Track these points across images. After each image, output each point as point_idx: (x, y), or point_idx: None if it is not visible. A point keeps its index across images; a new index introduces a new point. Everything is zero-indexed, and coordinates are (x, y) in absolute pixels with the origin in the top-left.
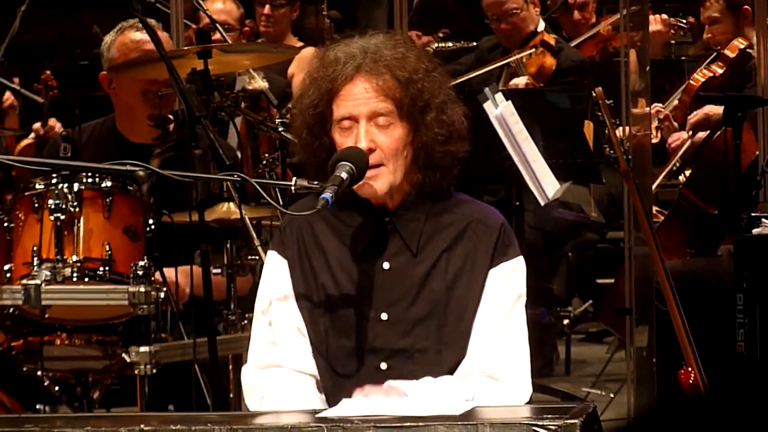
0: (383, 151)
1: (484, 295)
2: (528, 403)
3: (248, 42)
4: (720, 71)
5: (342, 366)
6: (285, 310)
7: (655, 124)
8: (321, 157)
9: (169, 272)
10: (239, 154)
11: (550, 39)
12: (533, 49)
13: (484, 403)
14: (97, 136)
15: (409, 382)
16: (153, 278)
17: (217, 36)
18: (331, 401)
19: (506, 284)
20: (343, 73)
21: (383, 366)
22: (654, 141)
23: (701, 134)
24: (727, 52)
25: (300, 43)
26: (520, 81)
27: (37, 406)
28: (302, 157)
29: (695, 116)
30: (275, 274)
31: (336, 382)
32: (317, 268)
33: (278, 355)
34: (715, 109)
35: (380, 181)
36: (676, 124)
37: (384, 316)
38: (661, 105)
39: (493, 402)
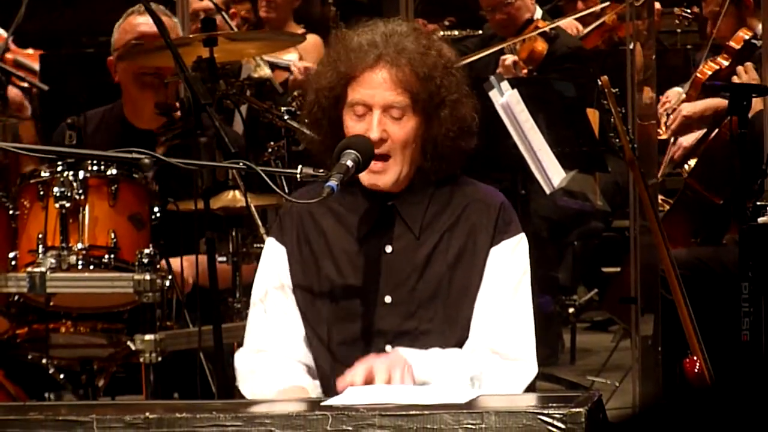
0: (393, 142)
1: (487, 273)
2: (532, 381)
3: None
4: (726, 63)
5: (346, 349)
6: (281, 297)
7: (663, 120)
8: (329, 135)
9: (174, 262)
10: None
11: (545, 26)
12: (528, 35)
13: (489, 380)
14: (105, 121)
15: (415, 351)
16: (158, 266)
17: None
18: (333, 387)
19: (510, 261)
20: (364, 60)
21: (388, 348)
22: (662, 136)
23: (690, 140)
24: (732, 43)
25: (303, 31)
26: (508, 57)
27: (45, 395)
28: (310, 130)
29: (673, 122)
30: (273, 261)
31: (338, 367)
32: (318, 253)
33: (273, 341)
34: (691, 108)
35: (387, 176)
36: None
37: (388, 299)
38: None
39: (498, 379)
